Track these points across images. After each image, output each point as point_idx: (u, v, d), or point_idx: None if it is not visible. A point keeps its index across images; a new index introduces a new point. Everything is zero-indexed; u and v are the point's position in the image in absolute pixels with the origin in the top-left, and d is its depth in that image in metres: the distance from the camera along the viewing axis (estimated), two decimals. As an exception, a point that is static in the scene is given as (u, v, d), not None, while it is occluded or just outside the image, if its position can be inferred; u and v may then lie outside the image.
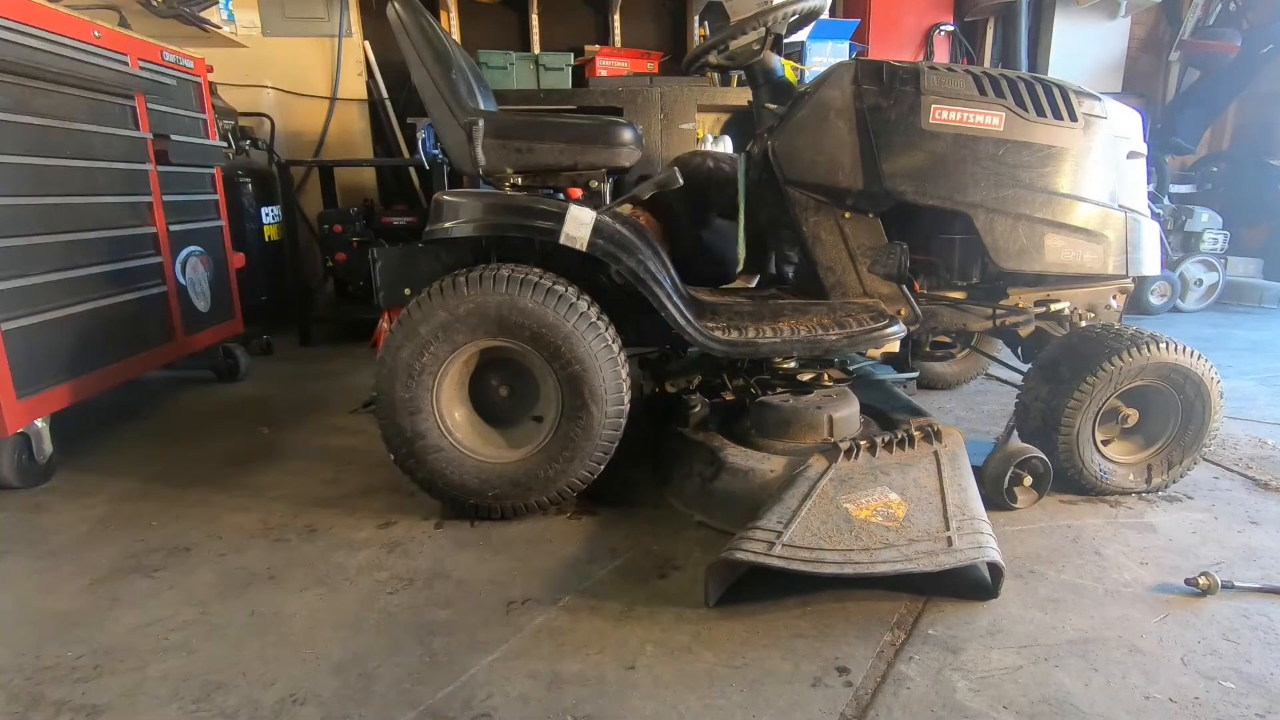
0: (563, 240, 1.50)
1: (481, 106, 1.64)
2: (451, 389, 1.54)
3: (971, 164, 1.60)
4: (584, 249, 1.50)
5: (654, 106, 3.39)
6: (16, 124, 1.76)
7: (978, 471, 1.54)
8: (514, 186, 1.61)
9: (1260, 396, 2.37)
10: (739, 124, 3.91)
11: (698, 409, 1.75)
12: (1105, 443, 1.65)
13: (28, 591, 1.37)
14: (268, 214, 3.37)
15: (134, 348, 2.18)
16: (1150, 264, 1.75)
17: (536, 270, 1.48)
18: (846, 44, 3.44)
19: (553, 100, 3.36)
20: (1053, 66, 3.90)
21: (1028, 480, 1.57)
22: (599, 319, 1.50)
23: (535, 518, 1.60)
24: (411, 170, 3.91)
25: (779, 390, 1.72)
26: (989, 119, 1.59)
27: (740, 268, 1.94)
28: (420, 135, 3.13)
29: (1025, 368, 1.78)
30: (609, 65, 3.58)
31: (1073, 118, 1.61)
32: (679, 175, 1.59)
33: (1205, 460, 1.82)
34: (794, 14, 1.70)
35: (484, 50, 3.39)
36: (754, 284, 2.17)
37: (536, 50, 3.79)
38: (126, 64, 2.15)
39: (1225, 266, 3.84)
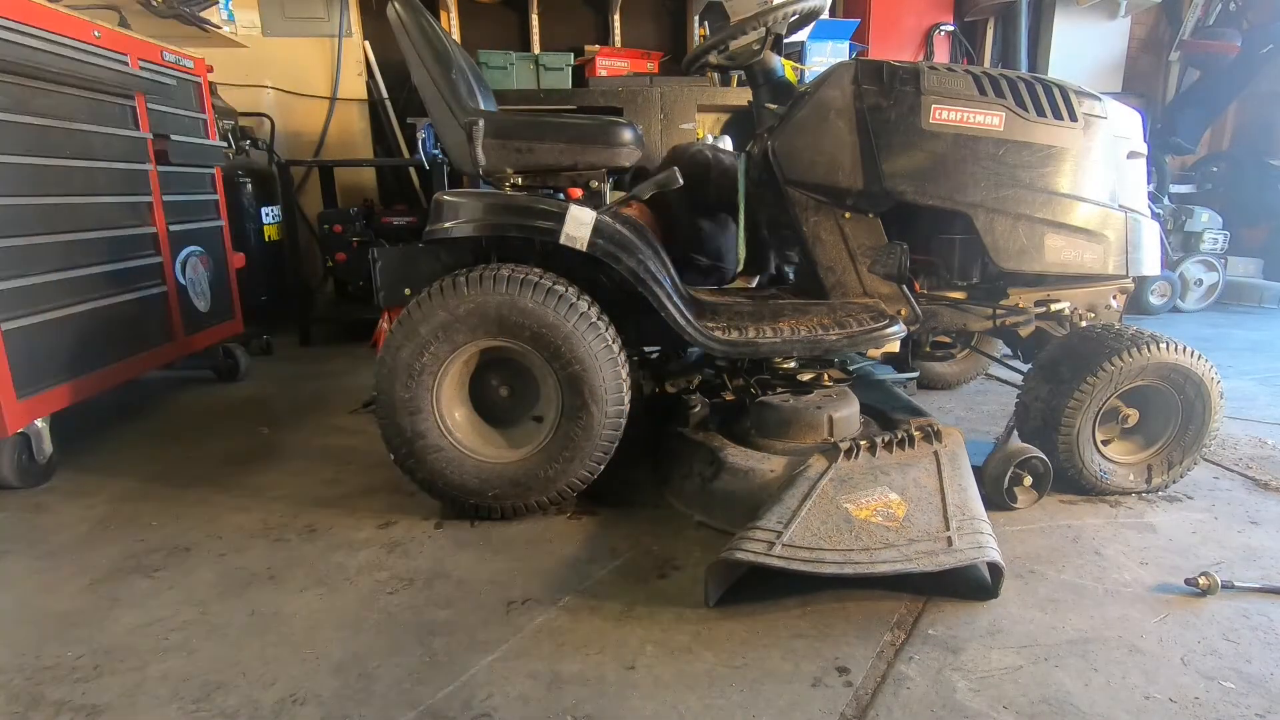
0: (563, 240, 1.50)
1: (481, 106, 1.64)
2: (452, 389, 1.54)
3: (972, 164, 1.60)
4: (584, 249, 1.50)
5: (654, 106, 3.39)
6: (16, 124, 1.76)
7: (978, 471, 1.54)
8: (514, 186, 1.61)
9: (1260, 396, 2.37)
10: (739, 124, 3.91)
11: (698, 409, 1.75)
12: (1105, 443, 1.65)
13: (28, 591, 1.37)
14: (268, 214, 3.37)
15: (134, 348, 2.18)
16: (1150, 264, 1.75)
17: (537, 270, 1.48)
18: (846, 44, 3.44)
19: (553, 100, 3.36)
20: (1053, 66, 3.90)
21: (1028, 480, 1.57)
22: (599, 319, 1.50)
23: (535, 518, 1.60)
24: (411, 170, 3.91)
25: (779, 390, 1.72)
26: (989, 119, 1.59)
27: (740, 268, 1.94)
28: (420, 135, 3.13)
29: (1025, 368, 1.78)
30: (609, 65, 3.58)
31: (1073, 118, 1.61)
32: (679, 175, 1.59)
33: (1205, 460, 1.82)
34: (794, 14, 1.70)
35: (484, 50, 3.39)
36: (754, 284, 2.17)
37: (536, 50, 3.79)
38: (126, 64, 2.15)
39: (1225, 266, 3.84)
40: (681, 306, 1.58)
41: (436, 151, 3.11)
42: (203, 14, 2.81)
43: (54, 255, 1.88)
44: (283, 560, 1.46)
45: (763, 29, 1.69)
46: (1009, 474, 1.56)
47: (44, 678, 1.12)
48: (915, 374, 2.32)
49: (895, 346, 1.64)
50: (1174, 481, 1.68)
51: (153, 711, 1.05)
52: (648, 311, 1.56)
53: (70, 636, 1.22)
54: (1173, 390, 1.61)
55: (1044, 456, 1.57)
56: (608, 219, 1.53)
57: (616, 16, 3.88)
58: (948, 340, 2.03)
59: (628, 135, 1.60)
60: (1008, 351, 2.08)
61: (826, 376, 1.74)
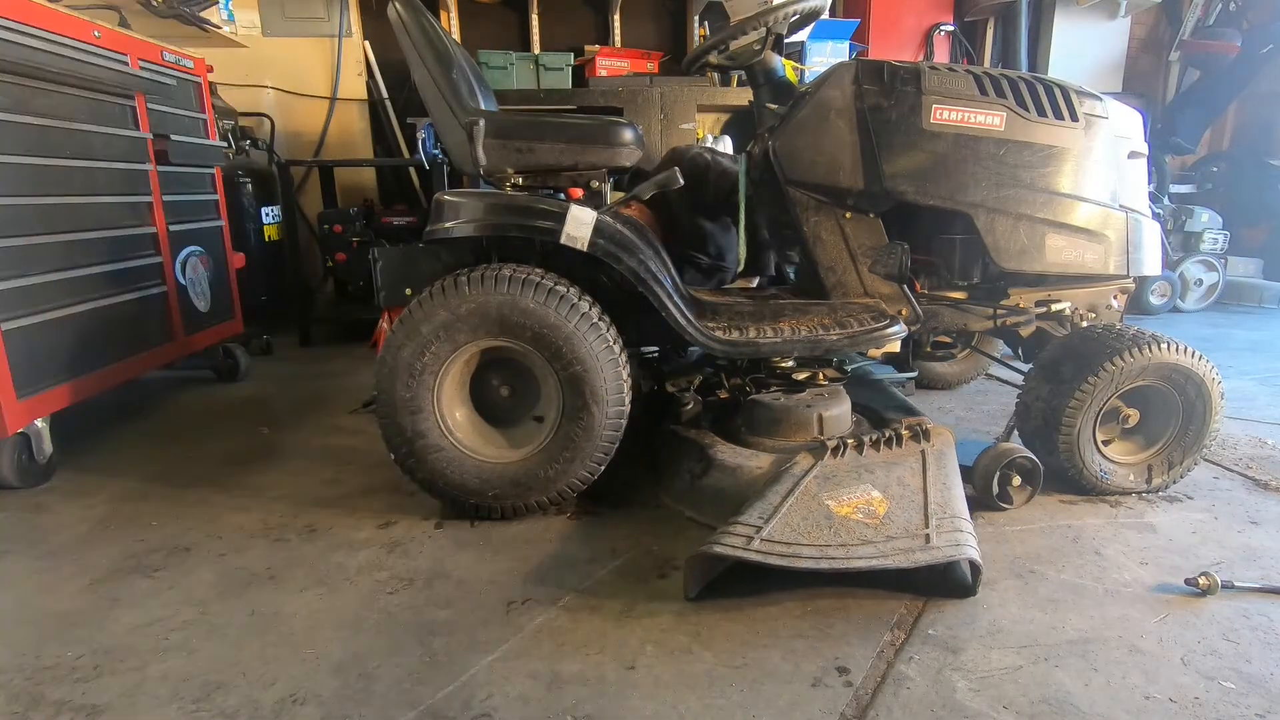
0: (563, 240, 1.50)
1: (482, 106, 1.64)
2: (452, 389, 1.54)
3: (972, 164, 1.60)
4: (585, 249, 1.50)
5: (654, 106, 3.39)
6: (16, 124, 1.76)
7: (970, 472, 1.54)
8: (515, 186, 1.61)
9: (1260, 396, 2.37)
10: (739, 124, 3.91)
11: (690, 406, 1.75)
12: (1106, 443, 1.65)
13: (28, 591, 1.37)
14: (268, 214, 3.37)
15: (134, 348, 2.18)
16: (1151, 264, 1.75)
17: (538, 270, 1.48)
18: (846, 44, 3.44)
19: (553, 100, 3.36)
20: (1053, 66, 3.90)
21: (1017, 480, 1.58)
22: (600, 319, 1.50)
23: (535, 518, 1.60)
24: (411, 170, 3.91)
25: (773, 389, 1.72)
26: (990, 119, 1.59)
27: (741, 268, 1.94)
28: (420, 135, 3.13)
29: (1026, 368, 1.78)
30: (609, 65, 3.58)
31: (1074, 118, 1.61)
32: (679, 175, 1.59)
33: (1205, 460, 1.82)
34: (794, 14, 1.70)
35: (484, 50, 3.39)
36: (754, 284, 2.17)
37: (536, 50, 3.79)
38: (126, 64, 2.15)
39: (1225, 266, 3.84)
40: (682, 306, 1.58)
41: (436, 151, 3.11)
42: (203, 14, 2.81)
43: (54, 255, 1.88)
44: (283, 560, 1.46)
45: (763, 29, 1.69)
46: (998, 474, 1.56)
47: (44, 678, 1.12)
48: (913, 374, 2.32)
49: (896, 346, 1.64)
50: (1174, 482, 1.68)
51: (153, 711, 1.05)
52: (648, 311, 1.56)
53: (70, 636, 1.22)
54: (1173, 390, 1.61)
55: (1032, 455, 1.57)
56: (608, 219, 1.53)
57: (616, 16, 3.88)
58: (948, 340, 2.03)
59: (628, 135, 1.60)
60: (1008, 351, 2.08)
61: (822, 376, 1.74)
